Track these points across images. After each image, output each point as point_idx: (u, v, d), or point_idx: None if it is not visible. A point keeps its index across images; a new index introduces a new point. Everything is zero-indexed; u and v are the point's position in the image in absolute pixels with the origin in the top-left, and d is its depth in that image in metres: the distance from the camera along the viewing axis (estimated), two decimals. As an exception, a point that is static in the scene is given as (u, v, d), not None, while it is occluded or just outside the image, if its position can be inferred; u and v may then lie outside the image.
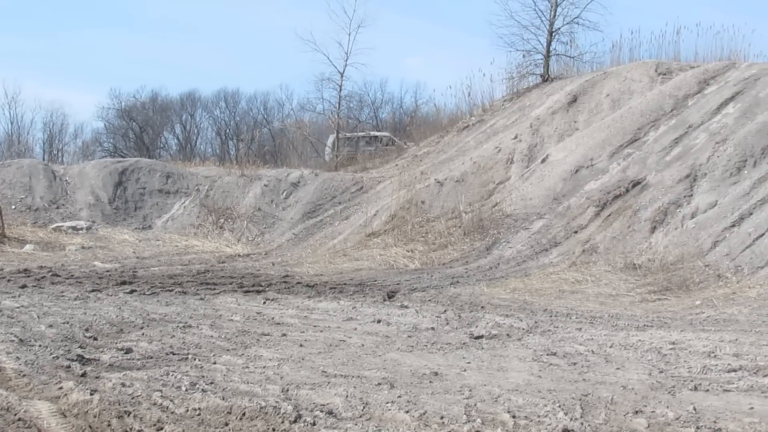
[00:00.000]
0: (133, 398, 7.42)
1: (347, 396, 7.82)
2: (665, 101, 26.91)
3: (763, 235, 17.82)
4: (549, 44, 39.12)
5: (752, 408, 7.77)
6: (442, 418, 7.16)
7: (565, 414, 7.40)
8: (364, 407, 7.44)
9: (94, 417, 6.87)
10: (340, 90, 43.35)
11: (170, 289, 16.01)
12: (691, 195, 21.02)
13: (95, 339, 10.25)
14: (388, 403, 7.60)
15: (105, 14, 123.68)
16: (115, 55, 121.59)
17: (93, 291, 15.15)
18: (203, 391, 7.79)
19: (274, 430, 6.79)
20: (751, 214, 18.78)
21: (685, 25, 45.24)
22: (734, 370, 9.42)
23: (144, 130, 74.62)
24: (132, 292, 15.29)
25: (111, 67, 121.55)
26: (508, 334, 11.82)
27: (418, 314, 13.50)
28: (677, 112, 26.04)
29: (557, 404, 7.69)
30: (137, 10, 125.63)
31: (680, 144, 23.90)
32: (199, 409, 7.20)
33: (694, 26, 39.72)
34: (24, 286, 15.43)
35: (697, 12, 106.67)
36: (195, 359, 9.36)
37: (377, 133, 45.09)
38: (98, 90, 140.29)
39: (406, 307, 14.40)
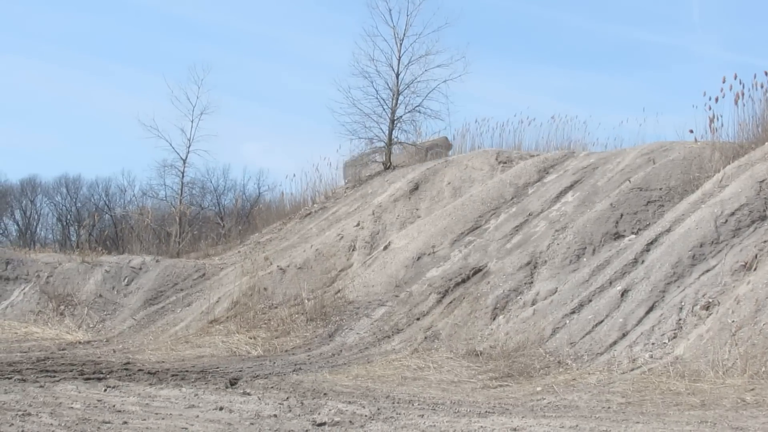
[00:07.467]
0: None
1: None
2: (506, 189, 27.40)
3: (602, 321, 18.13)
4: (391, 132, 39.52)
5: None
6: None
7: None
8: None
9: None
10: (183, 176, 43.01)
11: (9, 376, 15.41)
12: (532, 282, 21.31)
13: None
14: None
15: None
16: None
17: (-77, 379, 14.62)
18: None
19: None
20: (590, 301, 19.10)
21: (527, 115, 46.20)
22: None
23: (-19, 216, 73.04)
24: (-32, 380, 14.78)
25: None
26: (350, 421, 11.74)
27: (261, 401, 13.29)
28: (517, 200, 26.53)
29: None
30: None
31: (521, 232, 24.30)
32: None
33: (536, 116, 41.11)
34: None
35: (541, 102, 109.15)
36: (30, 449, 9.09)
37: None
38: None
39: (249, 394, 14.15)
